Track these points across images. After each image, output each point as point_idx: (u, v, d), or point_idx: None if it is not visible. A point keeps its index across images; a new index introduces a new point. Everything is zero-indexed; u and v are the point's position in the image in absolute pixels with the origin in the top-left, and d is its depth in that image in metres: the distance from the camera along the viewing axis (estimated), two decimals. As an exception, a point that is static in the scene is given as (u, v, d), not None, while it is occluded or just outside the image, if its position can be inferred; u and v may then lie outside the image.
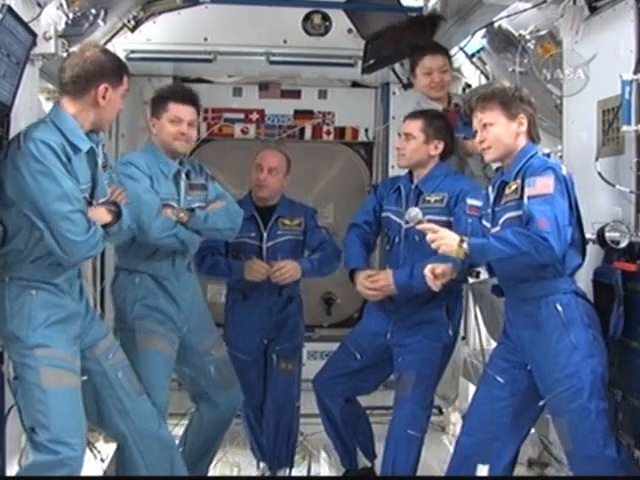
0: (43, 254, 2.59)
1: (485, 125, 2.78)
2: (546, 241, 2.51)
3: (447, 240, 2.70)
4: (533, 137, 2.81)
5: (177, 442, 3.37)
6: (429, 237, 2.76)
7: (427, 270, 2.95)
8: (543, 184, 2.60)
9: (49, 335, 2.58)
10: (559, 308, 2.67)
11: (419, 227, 2.86)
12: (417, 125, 3.34)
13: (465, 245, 2.65)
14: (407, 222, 3.03)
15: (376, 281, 3.32)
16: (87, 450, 3.73)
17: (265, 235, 3.74)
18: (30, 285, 2.60)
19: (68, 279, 2.69)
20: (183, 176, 3.24)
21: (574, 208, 2.67)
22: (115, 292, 3.24)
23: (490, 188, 2.88)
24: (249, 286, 3.68)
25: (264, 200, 3.78)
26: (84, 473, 3.61)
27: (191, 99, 3.25)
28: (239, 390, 3.43)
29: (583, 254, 2.76)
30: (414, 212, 2.96)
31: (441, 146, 3.36)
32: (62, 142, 2.55)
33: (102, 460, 3.74)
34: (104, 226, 2.63)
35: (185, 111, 3.21)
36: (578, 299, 2.70)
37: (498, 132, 2.76)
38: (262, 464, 3.90)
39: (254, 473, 3.87)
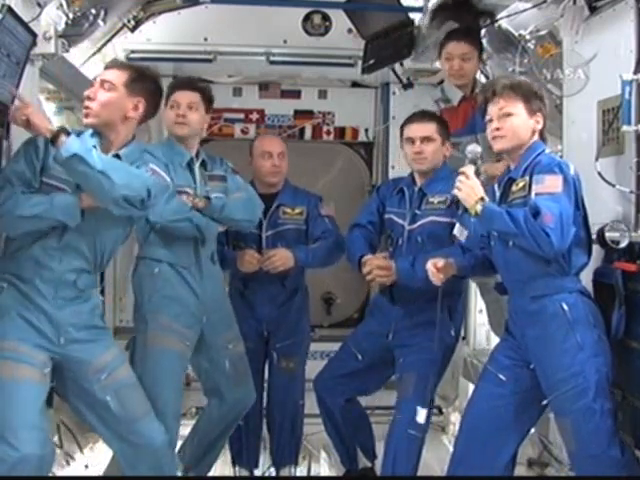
0: (21, 246, 2.59)
1: (505, 114, 2.76)
2: (548, 236, 2.52)
3: (470, 191, 2.69)
4: (543, 138, 2.82)
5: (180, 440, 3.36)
6: (460, 177, 2.73)
7: (429, 264, 2.98)
8: (552, 183, 2.60)
9: (8, 327, 2.53)
10: (565, 307, 2.66)
11: (460, 169, 2.78)
12: (433, 128, 3.34)
13: (480, 205, 2.65)
14: (466, 156, 2.89)
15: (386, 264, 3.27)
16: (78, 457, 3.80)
17: (265, 224, 3.67)
18: (4, 278, 2.58)
19: (54, 283, 2.60)
20: (197, 164, 3.27)
21: (581, 207, 2.67)
22: (134, 281, 3.24)
23: (496, 185, 2.88)
24: (249, 275, 3.62)
25: (274, 186, 3.72)
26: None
27: (188, 84, 3.32)
28: (252, 389, 3.40)
29: (589, 253, 2.76)
30: (476, 148, 2.85)
31: (450, 147, 3.38)
32: None
33: (86, 466, 3.75)
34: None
35: (182, 95, 3.26)
36: (584, 298, 2.70)
37: (517, 123, 2.75)
38: (237, 467, 3.82)
39: (254, 472, 3.85)
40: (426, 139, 3.33)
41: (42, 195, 2.56)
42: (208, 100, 3.32)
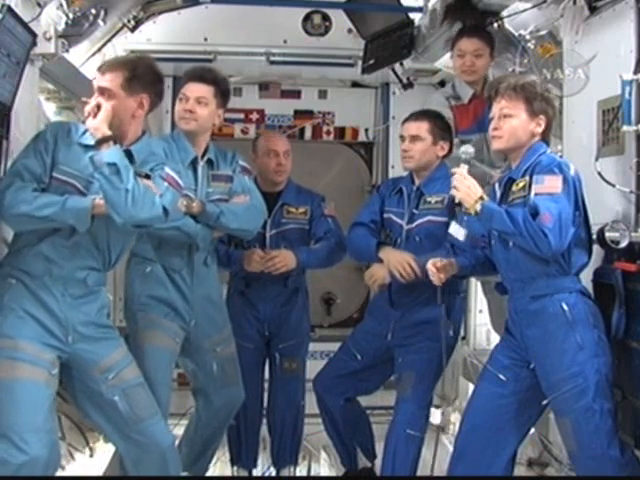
0: (28, 243, 2.58)
1: (504, 115, 2.76)
2: (545, 236, 2.53)
3: (469, 190, 2.70)
4: (546, 140, 2.81)
5: (178, 441, 3.34)
6: (456, 177, 2.74)
7: (429, 264, 2.98)
8: (551, 183, 2.60)
9: (15, 325, 2.51)
10: (565, 307, 2.66)
11: (453, 170, 2.79)
12: (424, 126, 3.32)
13: (480, 204, 2.66)
14: (460, 157, 2.92)
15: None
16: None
17: (269, 222, 3.62)
18: (12, 274, 2.57)
19: (63, 280, 2.59)
20: (201, 163, 3.17)
21: (581, 207, 2.67)
22: (126, 277, 3.21)
23: (497, 185, 2.88)
24: (251, 275, 3.58)
25: (278, 185, 3.69)
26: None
27: (200, 76, 3.12)
28: (240, 390, 3.36)
29: (589, 253, 2.76)
30: (469, 149, 2.87)
31: (447, 146, 3.36)
32: (67, 128, 2.57)
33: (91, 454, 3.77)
34: None
35: (192, 88, 3.11)
36: (584, 298, 2.70)
37: (515, 125, 2.75)
38: (236, 468, 3.80)
39: (254, 472, 3.86)
40: (414, 138, 3.32)
41: (52, 195, 2.54)
42: (222, 94, 3.16)
